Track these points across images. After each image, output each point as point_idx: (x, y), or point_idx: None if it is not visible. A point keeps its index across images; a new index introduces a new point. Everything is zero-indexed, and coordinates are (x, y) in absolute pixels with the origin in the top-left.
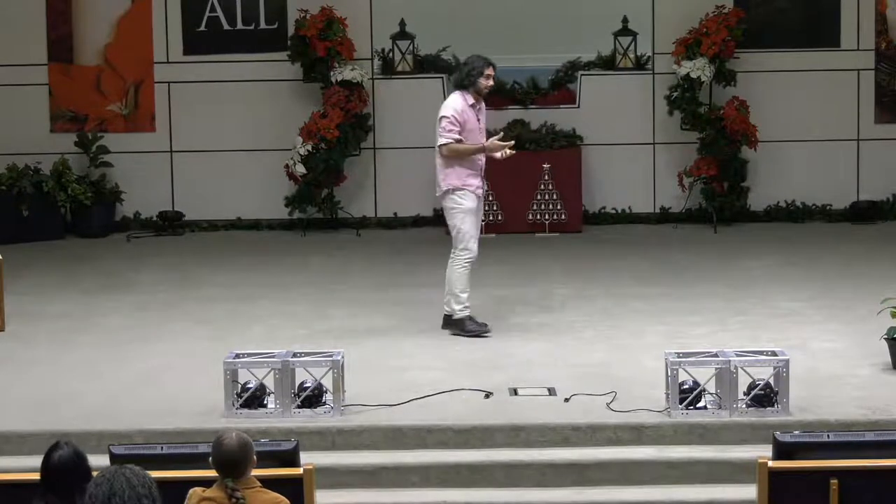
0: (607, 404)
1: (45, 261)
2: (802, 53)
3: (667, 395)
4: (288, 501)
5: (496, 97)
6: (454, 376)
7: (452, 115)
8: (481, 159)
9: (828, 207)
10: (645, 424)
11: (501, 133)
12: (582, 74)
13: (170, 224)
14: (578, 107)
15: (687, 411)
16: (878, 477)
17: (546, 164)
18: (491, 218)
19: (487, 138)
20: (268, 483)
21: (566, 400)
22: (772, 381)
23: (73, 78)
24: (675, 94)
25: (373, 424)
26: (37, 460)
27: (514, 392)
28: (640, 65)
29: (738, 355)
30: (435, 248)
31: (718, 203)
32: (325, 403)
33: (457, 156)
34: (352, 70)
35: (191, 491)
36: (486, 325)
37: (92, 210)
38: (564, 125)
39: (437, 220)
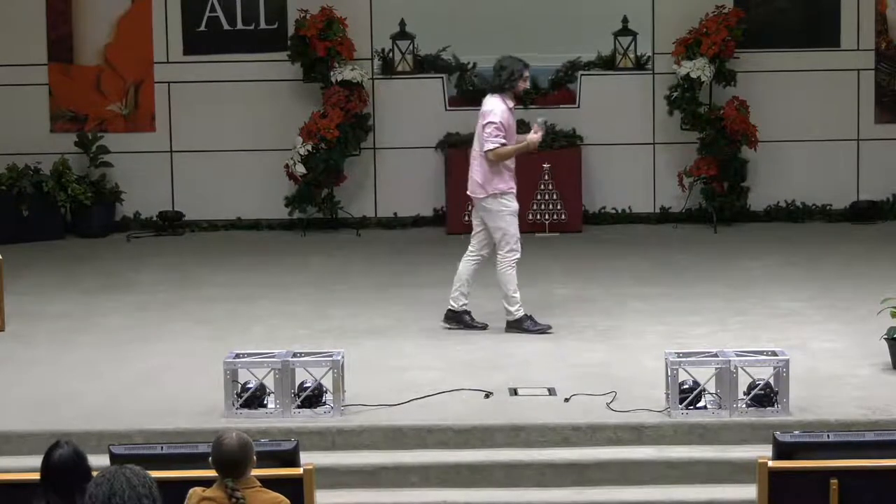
0: (607, 404)
1: (45, 261)
2: (802, 53)
3: (667, 395)
4: (288, 501)
5: None
6: (454, 376)
7: (500, 122)
8: (513, 159)
9: (828, 207)
10: (645, 424)
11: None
12: (582, 74)
13: (170, 224)
14: (578, 107)
15: (687, 411)
16: (878, 477)
17: (546, 164)
18: None
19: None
20: (268, 483)
21: (566, 400)
22: (772, 381)
23: (73, 78)
24: (675, 94)
25: (373, 424)
26: (37, 460)
27: (514, 392)
28: (640, 65)
29: (738, 355)
30: (435, 248)
31: (718, 203)
32: (325, 403)
33: (503, 159)
34: (352, 70)
35: (191, 491)
36: (548, 325)
37: (92, 210)
38: (564, 125)
39: (437, 220)
